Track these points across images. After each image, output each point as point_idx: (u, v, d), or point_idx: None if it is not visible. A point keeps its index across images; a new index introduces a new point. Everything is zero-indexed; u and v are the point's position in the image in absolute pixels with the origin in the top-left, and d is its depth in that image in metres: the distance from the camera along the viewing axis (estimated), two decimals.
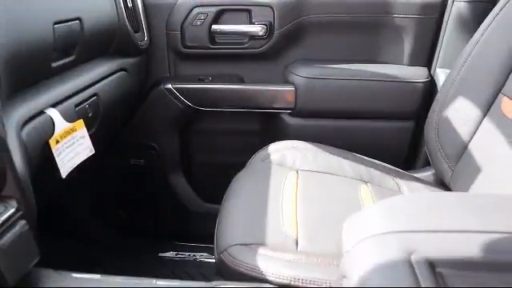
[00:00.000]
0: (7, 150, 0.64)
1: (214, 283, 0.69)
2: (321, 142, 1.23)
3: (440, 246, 0.50)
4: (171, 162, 1.52)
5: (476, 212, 0.58)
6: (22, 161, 0.67)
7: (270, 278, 0.70)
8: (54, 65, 0.86)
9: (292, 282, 0.70)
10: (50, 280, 0.69)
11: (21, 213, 0.64)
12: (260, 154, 1.19)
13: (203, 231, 1.25)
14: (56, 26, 0.83)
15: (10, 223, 0.61)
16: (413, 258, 0.47)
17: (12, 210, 0.63)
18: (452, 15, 1.28)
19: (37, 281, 0.68)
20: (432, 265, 0.45)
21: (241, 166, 1.18)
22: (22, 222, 0.64)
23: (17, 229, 0.62)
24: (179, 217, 1.57)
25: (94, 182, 1.50)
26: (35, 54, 0.78)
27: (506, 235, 0.51)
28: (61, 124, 0.81)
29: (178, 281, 0.75)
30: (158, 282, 0.71)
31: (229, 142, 1.49)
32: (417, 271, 0.45)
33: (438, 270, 0.45)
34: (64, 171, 0.80)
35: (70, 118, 0.85)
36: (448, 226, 0.55)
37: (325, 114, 1.37)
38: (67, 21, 0.88)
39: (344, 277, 0.53)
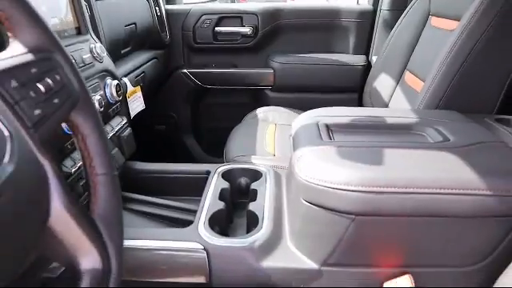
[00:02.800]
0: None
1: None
2: (290, 106, 1.68)
3: (333, 120, 0.91)
4: (185, 127, 1.95)
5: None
6: None
7: (260, 168, 1.09)
8: (122, 51, 1.32)
9: (272, 167, 1.07)
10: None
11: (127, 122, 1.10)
12: (251, 114, 1.63)
13: None
14: (125, 27, 1.29)
15: (125, 126, 1.07)
16: (319, 123, 0.89)
17: (125, 120, 1.08)
18: (380, 19, 1.76)
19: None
20: (327, 126, 0.89)
21: None
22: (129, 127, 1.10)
23: (128, 130, 1.08)
24: None
25: None
26: (116, 43, 1.23)
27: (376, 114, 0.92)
28: (129, 87, 1.26)
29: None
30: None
31: (227, 111, 1.90)
32: (320, 128, 0.86)
33: (331, 128, 0.88)
34: (132, 114, 1.25)
35: (133, 84, 1.31)
36: (342, 113, 0.97)
37: (294, 89, 1.83)
38: (130, 24, 1.34)
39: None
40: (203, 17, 1.79)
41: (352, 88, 1.81)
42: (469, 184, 0.66)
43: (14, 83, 0.38)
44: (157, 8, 1.66)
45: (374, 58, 1.79)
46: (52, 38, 0.45)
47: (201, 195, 0.88)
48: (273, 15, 1.81)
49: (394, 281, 0.71)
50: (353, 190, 0.65)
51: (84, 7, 0.96)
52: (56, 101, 0.42)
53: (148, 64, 1.53)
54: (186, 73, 1.83)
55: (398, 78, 1.46)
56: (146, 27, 1.51)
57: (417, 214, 0.67)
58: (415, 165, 0.70)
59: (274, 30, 1.83)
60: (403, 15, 1.52)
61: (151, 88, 1.67)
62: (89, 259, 0.41)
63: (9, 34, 0.42)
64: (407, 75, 1.41)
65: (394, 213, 0.67)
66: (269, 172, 0.99)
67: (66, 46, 0.55)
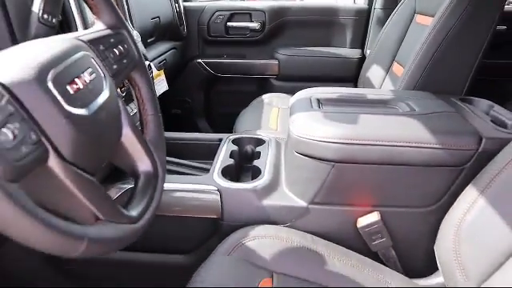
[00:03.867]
0: None
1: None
2: (293, 93, 1.86)
3: (323, 95, 1.07)
4: (198, 112, 2.15)
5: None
6: None
7: (264, 137, 1.21)
8: (148, 40, 1.51)
9: (274, 138, 1.20)
10: None
11: None
12: (257, 99, 1.81)
13: None
14: (151, 20, 1.49)
15: None
16: (311, 98, 1.07)
17: None
18: (374, 17, 1.94)
19: None
20: (318, 99, 1.04)
21: None
22: None
23: None
24: None
25: None
26: (144, 33, 1.43)
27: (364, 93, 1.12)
28: (154, 71, 1.46)
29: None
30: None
31: (237, 97, 2.06)
32: (312, 101, 1.02)
33: (321, 101, 1.05)
34: (157, 94, 1.45)
35: (157, 69, 1.50)
36: (331, 91, 1.15)
37: (297, 78, 2.01)
38: (154, 18, 1.53)
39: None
40: (216, 13, 1.98)
41: (348, 78, 1.99)
42: (425, 139, 0.85)
43: (101, 47, 0.57)
44: (176, 5, 1.85)
45: (368, 51, 1.97)
46: (121, 19, 0.64)
47: (214, 159, 1.07)
48: (278, 12, 2.00)
49: (365, 217, 0.90)
50: (332, 142, 0.84)
51: (124, 1, 1.15)
52: (124, 61, 0.61)
53: (168, 53, 1.73)
54: (200, 62, 2.02)
55: (387, 69, 1.62)
56: (167, 21, 1.71)
57: (383, 162, 0.85)
58: (383, 125, 0.89)
59: (280, 26, 2.03)
60: (393, 13, 1.69)
61: (170, 75, 1.86)
62: (144, 165, 0.60)
63: (94, 17, 0.61)
64: (395, 66, 1.57)
65: (365, 161, 0.85)
66: (271, 140, 1.18)
67: None
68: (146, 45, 1.49)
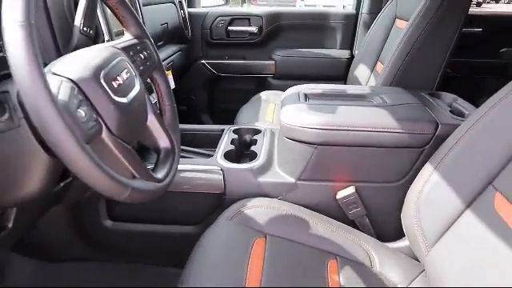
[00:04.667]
0: None
1: None
2: None
3: (310, 91, 1.23)
4: (202, 108, 2.32)
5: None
6: None
7: (260, 127, 1.44)
8: (158, 44, 1.68)
9: (269, 128, 1.46)
10: None
11: None
12: (256, 96, 1.97)
13: None
14: (160, 26, 1.66)
15: None
16: (299, 93, 1.24)
17: None
18: (361, 21, 2.10)
19: None
20: (305, 94, 1.24)
21: None
22: None
23: None
24: None
25: None
26: (154, 38, 1.59)
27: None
28: None
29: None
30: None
31: (237, 95, 2.22)
32: (300, 95, 1.23)
33: (308, 96, 1.23)
34: None
35: (165, 69, 1.67)
36: (318, 87, 1.33)
37: (292, 77, 2.17)
38: (163, 24, 1.70)
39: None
40: (218, 18, 2.15)
41: (338, 76, 2.16)
42: (391, 126, 1.01)
43: (131, 53, 0.74)
44: (182, 11, 2.02)
45: (356, 52, 2.14)
46: (144, 31, 0.81)
47: (217, 146, 1.23)
48: (275, 17, 2.17)
49: (343, 190, 1.07)
50: (315, 129, 1.01)
51: (139, 10, 1.33)
52: (148, 64, 0.78)
53: (175, 55, 1.90)
54: (203, 63, 2.19)
55: (372, 68, 1.78)
56: (174, 26, 1.88)
57: (357, 144, 1.02)
58: (358, 114, 1.06)
59: (276, 30, 2.20)
60: (377, 17, 1.85)
61: (176, 75, 2.02)
62: (164, 143, 0.76)
63: (124, 29, 0.79)
64: (378, 65, 1.73)
65: (342, 144, 1.02)
66: (266, 130, 1.35)
67: None
68: (156, 48, 1.66)
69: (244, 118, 1.68)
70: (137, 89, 0.68)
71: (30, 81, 0.45)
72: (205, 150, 1.33)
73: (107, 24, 1.02)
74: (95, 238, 1.23)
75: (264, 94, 1.97)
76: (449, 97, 1.27)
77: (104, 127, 0.58)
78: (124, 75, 0.66)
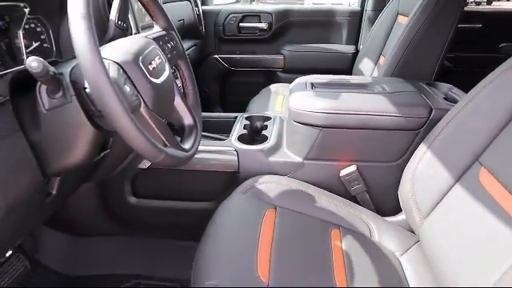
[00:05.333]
0: None
1: None
2: None
3: (316, 80, 1.35)
4: (215, 100, 2.43)
5: None
6: None
7: (270, 115, 1.57)
8: None
9: (279, 116, 1.57)
10: None
11: None
12: (265, 89, 2.07)
13: None
14: (177, 22, 1.77)
15: None
16: (307, 82, 1.35)
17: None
18: (366, 17, 2.20)
19: None
20: (312, 83, 1.34)
21: None
22: None
23: None
24: None
25: None
26: None
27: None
28: None
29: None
30: None
31: (247, 88, 2.31)
32: (307, 84, 1.33)
33: (314, 85, 1.34)
34: None
35: None
36: (323, 77, 1.44)
37: (299, 71, 2.20)
38: (180, 20, 1.81)
39: None
40: (230, 15, 2.27)
41: (344, 70, 2.24)
42: (390, 110, 1.11)
43: (160, 42, 0.85)
44: (196, 8, 2.13)
45: (361, 47, 2.23)
46: (170, 24, 0.92)
47: (230, 132, 1.34)
48: (284, 14, 2.27)
49: (346, 168, 1.17)
50: (320, 113, 1.11)
51: None
52: (174, 52, 0.89)
53: (190, 50, 2.01)
54: (216, 57, 2.31)
55: (376, 61, 1.88)
56: (189, 22, 1.99)
57: (358, 127, 1.12)
58: (359, 100, 1.16)
59: (284, 26, 2.30)
60: (381, 14, 1.95)
61: (195, 66, 2.12)
62: (188, 120, 0.87)
63: (154, 22, 0.90)
64: (381, 59, 1.83)
65: (344, 126, 1.12)
66: (276, 117, 1.45)
67: None
68: None
69: (254, 108, 1.78)
70: (167, 73, 0.79)
71: (91, 63, 0.56)
72: (219, 136, 1.44)
73: (135, 19, 1.13)
74: (120, 213, 1.35)
75: (273, 87, 2.07)
76: (444, 86, 1.36)
77: (142, 102, 0.69)
78: (157, 60, 0.77)
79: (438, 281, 0.87)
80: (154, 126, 0.71)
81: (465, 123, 0.96)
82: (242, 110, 1.86)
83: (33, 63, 0.60)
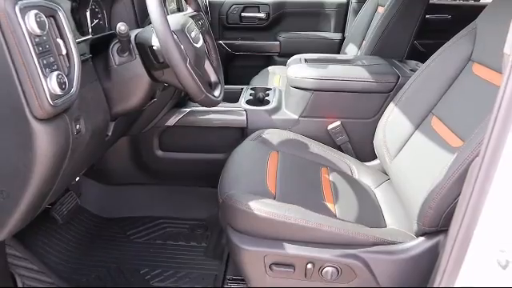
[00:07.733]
0: None
1: None
2: None
3: (308, 57, 1.65)
4: None
5: None
6: None
7: (271, 87, 1.84)
8: None
9: (277, 88, 1.85)
10: None
11: None
12: (263, 70, 2.35)
13: None
14: None
15: None
16: (300, 58, 1.63)
17: None
18: (351, 8, 2.47)
19: None
20: (305, 59, 1.62)
21: None
22: None
23: None
24: None
25: None
26: None
27: None
28: None
29: None
30: None
31: (248, 70, 2.52)
32: (301, 59, 1.62)
33: (307, 60, 1.62)
34: None
35: None
36: (314, 55, 1.71)
37: (292, 55, 2.49)
38: None
39: None
40: (233, 6, 2.53)
41: None
42: (365, 77, 1.39)
43: (194, 20, 1.12)
44: None
45: (347, 34, 2.50)
46: (199, 6, 1.19)
47: (238, 100, 1.60)
48: (280, 5, 2.54)
49: (332, 124, 1.45)
50: (312, 79, 1.39)
51: None
52: (203, 28, 1.16)
53: None
54: (220, 43, 2.56)
55: (359, 46, 2.15)
56: None
57: (341, 90, 1.40)
58: (342, 70, 1.44)
59: (281, 16, 2.57)
60: (364, 5, 2.22)
61: None
62: (214, 78, 1.14)
63: (188, 5, 1.16)
64: (364, 44, 2.11)
65: (331, 90, 1.40)
66: (276, 89, 1.72)
67: None
68: None
69: (256, 84, 2.05)
70: (201, 41, 1.06)
71: (163, 28, 0.83)
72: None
73: (165, 4, 1.39)
74: (149, 165, 1.62)
75: (271, 68, 2.34)
76: (412, 62, 1.65)
77: (188, 59, 0.96)
78: (196, 31, 1.03)
79: (401, 199, 1.13)
80: (196, 76, 0.98)
81: (422, 84, 1.24)
82: None
83: (122, 27, 0.86)
